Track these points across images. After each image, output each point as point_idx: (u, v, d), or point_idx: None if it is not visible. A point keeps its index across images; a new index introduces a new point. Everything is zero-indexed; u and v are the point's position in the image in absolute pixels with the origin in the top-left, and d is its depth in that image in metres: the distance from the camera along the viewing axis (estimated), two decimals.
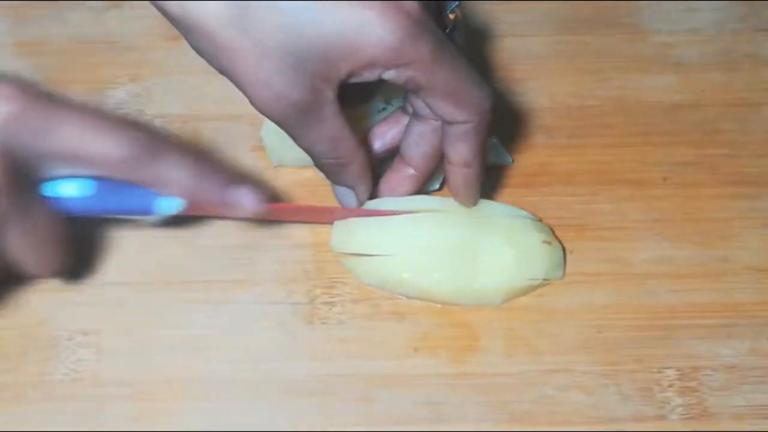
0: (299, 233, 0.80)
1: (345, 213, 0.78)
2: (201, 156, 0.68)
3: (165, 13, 0.65)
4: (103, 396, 0.73)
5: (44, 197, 0.65)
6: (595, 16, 0.92)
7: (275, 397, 0.73)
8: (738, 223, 0.81)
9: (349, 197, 0.76)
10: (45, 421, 0.72)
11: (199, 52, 0.67)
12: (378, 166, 0.78)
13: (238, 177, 0.70)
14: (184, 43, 0.68)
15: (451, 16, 0.72)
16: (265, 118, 0.69)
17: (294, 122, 0.69)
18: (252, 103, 0.67)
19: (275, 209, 0.73)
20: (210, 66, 0.67)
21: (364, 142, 0.76)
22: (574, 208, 0.82)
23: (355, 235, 0.77)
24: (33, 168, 0.63)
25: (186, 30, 0.65)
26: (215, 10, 0.62)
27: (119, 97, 0.86)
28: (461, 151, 0.72)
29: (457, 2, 0.73)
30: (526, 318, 0.77)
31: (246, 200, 0.69)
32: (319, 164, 0.74)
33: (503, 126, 0.84)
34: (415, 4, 0.62)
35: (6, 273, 0.66)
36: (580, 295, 0.78)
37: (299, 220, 0.79)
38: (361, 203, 0.77)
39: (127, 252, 0.79)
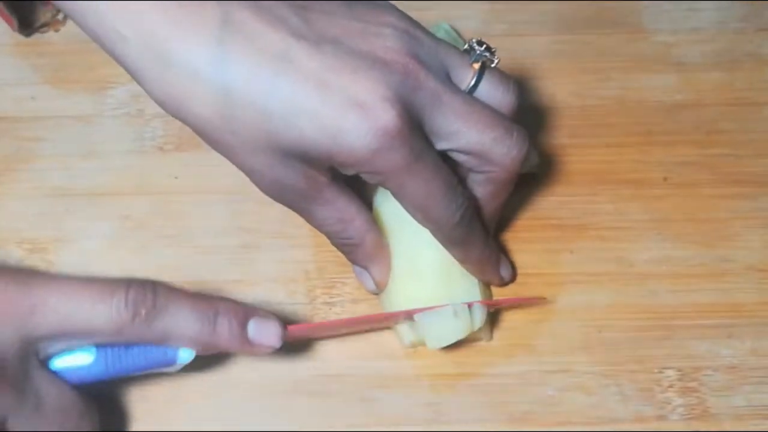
0: (300, 233, 0.80)
1: (366, 320, 0.76)
2: (205, 297, 0.66)
3: (164, 109, 0.65)
4: (106, 394, 0.73)
5: (51, 377, 0.63)
6: (596, 15, 0.92)
7: (277, 398, 0.74)
8: (739, 223, 0.81)
9: (365, 277, 0.75)
10: None
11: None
12: None
13: (252, 312, 0.68)
14: None
15: (475, 66, 0.69)
16: None
17: (298, 206, 0.70)
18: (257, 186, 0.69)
19: (300, 331, 0.71)
20: None
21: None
22: (574, 207, 0.82)
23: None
24: (28, 353, 0.61)
25: (185, 123, 0.66)
26: (205, 114, 0.63)
27: (119, 96, 0.86)
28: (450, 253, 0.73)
29: (480, 49, 0.70)
30: (526, 318, 0.77)
31: (266, 336, 0.67)
32: (332, 243, 0.74)
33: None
34: (392, 117, 0.61)
35: None
36: (580, 295, 0.78)
37: (326, 334, 0.78)
38: (378, 284, 0.75)
39: (128, 253, 0.79)
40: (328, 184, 0.68)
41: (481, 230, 0.73)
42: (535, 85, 0.88)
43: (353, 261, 0.75)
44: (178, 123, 0.65)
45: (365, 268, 0.74)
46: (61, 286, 0.61)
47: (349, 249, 0.73)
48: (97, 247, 0.80)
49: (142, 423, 0.73)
